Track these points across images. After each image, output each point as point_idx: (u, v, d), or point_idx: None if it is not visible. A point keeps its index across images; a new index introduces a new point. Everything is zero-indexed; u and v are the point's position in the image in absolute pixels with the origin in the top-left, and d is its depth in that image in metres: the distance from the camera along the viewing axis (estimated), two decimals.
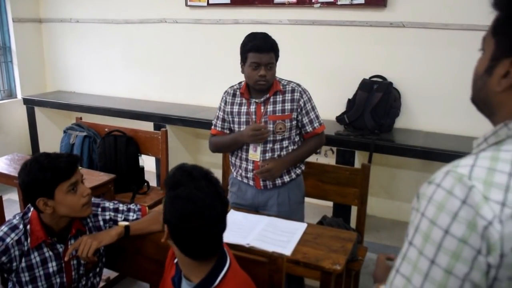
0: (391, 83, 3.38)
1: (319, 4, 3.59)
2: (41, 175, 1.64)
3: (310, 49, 3.74)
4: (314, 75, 3.71)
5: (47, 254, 1.75)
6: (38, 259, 1.73)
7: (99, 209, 1.89)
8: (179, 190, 1.31)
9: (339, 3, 3.52)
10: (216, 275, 1.36)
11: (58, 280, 1.78)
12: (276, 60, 2.25)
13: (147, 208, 1.98)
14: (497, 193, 0.69)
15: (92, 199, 1.87)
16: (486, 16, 3.05)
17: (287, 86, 2.30)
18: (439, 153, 3.03)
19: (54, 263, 1.76)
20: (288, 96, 2.27)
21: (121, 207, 1.94)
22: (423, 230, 0.74)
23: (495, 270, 0.69)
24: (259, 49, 2.17)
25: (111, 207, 1.92)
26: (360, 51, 3.56)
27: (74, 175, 1.70)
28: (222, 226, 1.36)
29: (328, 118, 3.57)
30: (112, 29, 4.64)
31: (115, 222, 1.88)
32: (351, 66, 3.60)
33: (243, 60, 2.24)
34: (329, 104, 3.60)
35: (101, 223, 1.88)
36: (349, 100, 3.52)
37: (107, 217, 1.88)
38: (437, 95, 3.38)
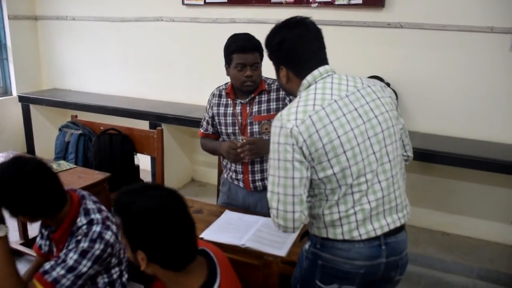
0: (388, 84, 3.37)
1: (316, 4, 3.58)
2: None
3: None
4: None
5: None
6: None
7: None
8: (135, 208, 1.27)
9: (336, 3, 3.51)
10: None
11: None
12: (261, 59, 2.22)
13: None
14: (292, 116, 1.43)
15: None
16: (482, 18, 3.05)
17: (272, 84, 2.28)
18: (436, 154, 3.03)
19: None
20: (273, 95, 2.25)
21: None
22: (270, 148, 1.46)
23: (306, 149, 1.41)
24: (244, 50, 2.15)
25: None
26: (357, 51, 3.55)
27: None
28: (191, 222, 1.33)
29: None
30: (108, 27, 4.61)
31: None
32: (348, 67, 3.56)
33: (228, 62, 2.22)
34: None
35: None
36: None
37: None
38: (434, 96, 3.38)
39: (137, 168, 3.32)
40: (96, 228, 1.62)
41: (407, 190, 3.82)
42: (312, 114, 1.41)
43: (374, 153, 1.46)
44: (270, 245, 1.90)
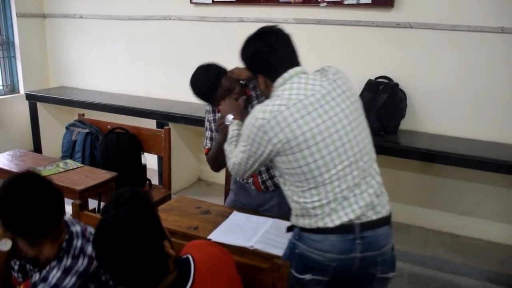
0: (397, 84, 3.34)
1: (325, 4, 3.55)
2: None
3: (315, 49, 3.69)
4: None
5: None
6: None
7: None
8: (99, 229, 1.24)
9: (345, 2, 3.48)
10: None
11: None
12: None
13: None
14: (263, 113, 1.59)
15: None
16: (493, 18, 3.00)
17: (257, 88, 2.21)
18: (444, 155, 3.00)
19: None
20: (262, 100, 2.19)
21: None
22: (243, 136, 1.68)
23: (275, 139, 1.57)
24: (213, 91, 2.27)
25: None
26: (366, 51, 3.52)
27: None
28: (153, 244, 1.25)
29: None
30: (116, 25, 4.61)
31: None
32: (356, 67, 3.55)
33: (211, 103, 2.31)
34: None
35: None
36: None
37: None
38: (443, 96, 3.34)
39: (144, 167, 3.31)
40: (77, 243, 1.53)
41: (416, 191, 3.80)
42: (279, 113, 1.56)
43: (343, 145, 1.57)
44: (279, 247, 1.88)
